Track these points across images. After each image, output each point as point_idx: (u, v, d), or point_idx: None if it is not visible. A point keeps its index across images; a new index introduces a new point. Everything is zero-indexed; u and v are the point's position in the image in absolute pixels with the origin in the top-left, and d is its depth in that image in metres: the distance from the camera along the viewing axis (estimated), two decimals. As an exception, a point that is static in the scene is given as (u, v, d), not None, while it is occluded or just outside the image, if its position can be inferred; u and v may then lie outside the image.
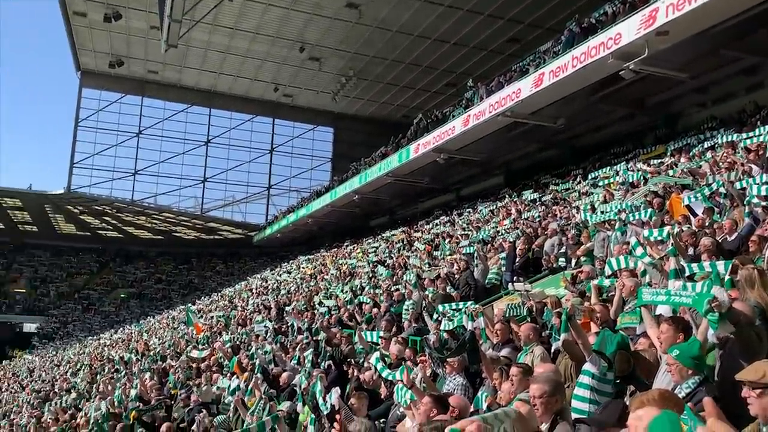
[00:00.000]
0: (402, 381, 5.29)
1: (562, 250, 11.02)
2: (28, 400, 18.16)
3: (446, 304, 8.71)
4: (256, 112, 56.34)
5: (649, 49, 16.48)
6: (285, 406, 6.78)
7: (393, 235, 28.71)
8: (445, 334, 7.73)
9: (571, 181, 20.34)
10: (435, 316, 8.92)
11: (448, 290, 11.02)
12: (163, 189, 56.43)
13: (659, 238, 7.43)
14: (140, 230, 63.49)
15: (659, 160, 16.12)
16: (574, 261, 10.20)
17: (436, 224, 25.79)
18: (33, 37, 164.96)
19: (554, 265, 10.74)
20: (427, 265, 15.69)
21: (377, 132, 47.75)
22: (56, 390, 18.57)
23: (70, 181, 52.05)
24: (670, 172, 12.94)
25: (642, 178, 13.75)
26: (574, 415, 3.98)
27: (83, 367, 21.54)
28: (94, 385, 15.85)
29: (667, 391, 2.34)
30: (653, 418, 1.87)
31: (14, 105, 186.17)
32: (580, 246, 10.44)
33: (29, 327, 60.70)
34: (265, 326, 14.51)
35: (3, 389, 24.54)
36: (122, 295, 61.22)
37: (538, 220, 15.46)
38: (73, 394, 15.82)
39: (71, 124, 52.81)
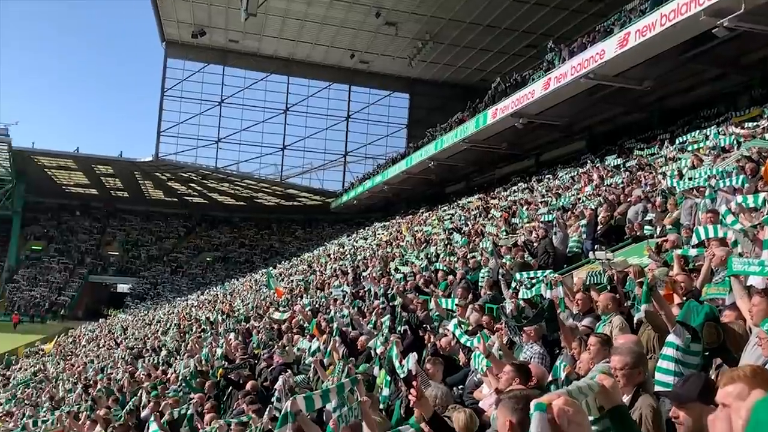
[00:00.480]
0: (479, 348, 5.30)
1: (647, 218, 10.63)
2: (122, 356, 19.30)
3: (524, 273, 8.61)
4: (332, 80, 56.75)
5: (746, 4, 15.41)
6: (362, 368, 6.93)
7: (469, 202, 28.47)
8: (522, 303, 7.66)
9: (657, 146, 19.49)
10: (512, 284, 8.84)
11: (525, 258, 10.88)
12: (245, 156, 58.03)
13: (753, 205, 7.04)
14: (224, 196, 65.72)
15: (754, 123, 15.19)
16: (659, 229, 9.82)
17: (514, 191, 25.38)
18: (124, 8, 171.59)
19: (638, 234, 10.38)
20: (504, 233, 15.52)
21: (453, 97, 47.16)
22: (148, 347, 19.66)
23: (157, 149, 54.30)
24: (766, 136, 12.18)
25: (735, 142, 13.00)
26: (657, 388, 3.88)
27: (172, 327, 22.68)
28: (183, 344, 16.69)
29: (759, 368, 2.24)
30: (759, 399, 1.79)
31: (106, 78, 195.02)
32: (666, 214, 10.04)
33: (122, 288, 64.43)
34: (342, 291, 14.82)
35: (100, 345, 26.19)
36: (208, 259, 63.84)
37: (621, 186, 14.94)
38: (164, 352, 16.69)
39: (158, 94, 54.81)
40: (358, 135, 59.50)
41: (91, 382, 15.26)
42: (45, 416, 11.82)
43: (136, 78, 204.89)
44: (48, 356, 28.29)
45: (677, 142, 17.76)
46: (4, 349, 34.76)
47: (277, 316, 14.32)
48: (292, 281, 24.74)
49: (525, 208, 18.21)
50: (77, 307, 56.83)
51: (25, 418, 12.43)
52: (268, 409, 5.81)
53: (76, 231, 67.47)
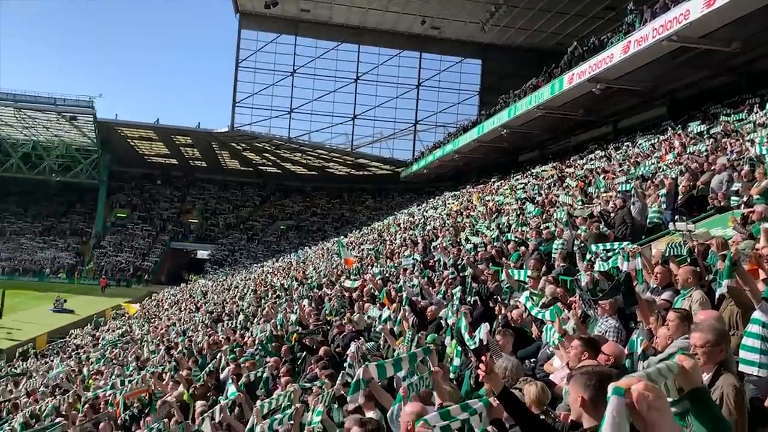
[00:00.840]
0: (551, 322, 5.22)
1: (733, 188, 10.11)
2: (202, 320, 20.13)
3: (600, 244, 8.38)
4: (403, 47, 56.27)
5: None
6: (431, 338, 6.97)
7: (543, 170, 27.85)
8: (597, 275, 7.48)
9: (745, 112, 18.41)
10: (588, 256, 8.63)
11: (601, 229, 10.58)
12: (317, 126, 58.64)
13: None
14: (296, 166, 66.82)
15: None
16: (745, 199, 9.32)
17: (591, 159, 24.63)
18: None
19: (722, 204, 9.89)
20: (579, 203, 15.13)
21: (527, 62, 45.86)
22: (227, 312, 20.42)
23: (233, 120, 55.57)
24: None
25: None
26: (741, 367, 3.73)
27: (249, 292, 23.44)
28: (259, 309, 17.23)
29: None
30: None
31: (184, 50, 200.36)
32: (754, 183, 9.50)
33: (202, 254, 66.89)
34: (412, 260, 14.87)
35: (182, 309, 27.38)
36: (282, 227, 65.34)
37: (704, 154, 14.24)
38: (241, 316, 17.30)
39: (233, 66, 55.89)
40: (429, 103, 59.03)
41: (173, 344, 16.02)
42: (131, 375, 12.51)
43: (212, 50, 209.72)
44: (133, 318, 29.86)
45: (768, 107, 16.73)
46: (94, 311, 36.95)
47: (348, 284, 14.55)
48: (363, 250, 25.02)
49: (602, 177, 17.65)
50: (160, 272, 59.58)
51: (113, 377, 13.21)
52: (340, 375, 5.93)
53: (158, 199, 70.36)
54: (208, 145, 61.06)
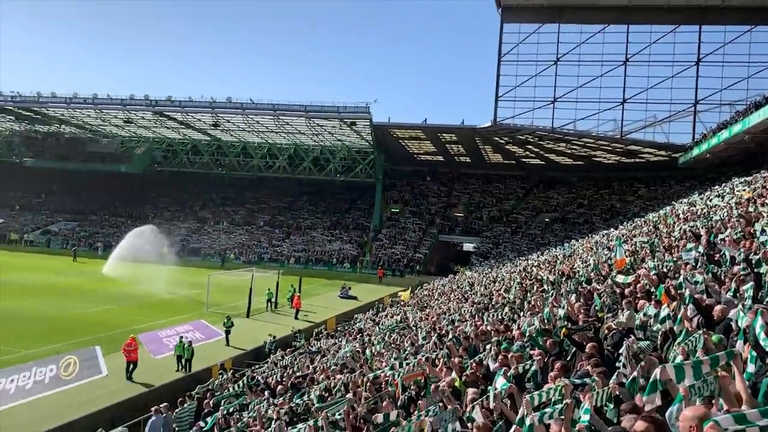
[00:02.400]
0: None
1: None
2: (470, 311, 20.72)
3: None
4: (678, 22, 51.34)
5: None
6: (715, 339, 6.33)
7: None
8: None
9: None
10: None
11: None
12: (582, 114, 56.37)
13: None
14: (560, 156, 65.10)
15: None
16: None
17: None
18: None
19: None
20: None
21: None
22: (493, 303, 20.75)
23: (495, 114, 56.08)
24: None
25: None
26: None
27: (514, 285, 23.52)
28: (525, 302, 17.21)
29: None
30: None
31: (446, 51, 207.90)
32: None
33: (468, 246, 68.82)
34: (694, 254, 13.56)
35: (450, 299, 28.50)
36: (546, 219, 64.26)
37: None
38: (507, 309, 17.45)
39: (495, 61, 56.41)
40: (711, 80, 52.86)
41: (444, 331, 16.78)
42: (407, 359, 13.41)
43: (473, 48, 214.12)
44: (407, 306, 31.92)
45: None
46: (374, 298, 40.35)
47: (620, 279, 13.81)
48: (635, 243, 23.46)
49: None
50: (430, 263, 62.78)
51: (392, 360, 14.31)
52: (615, 374, 5.71)
53: (427, 195, 74.14)
54: (472, 140, 62.54)
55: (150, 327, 26.52)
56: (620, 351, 7.15)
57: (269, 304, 35.97)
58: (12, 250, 62.05)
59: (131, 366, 20.37)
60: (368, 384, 11.62)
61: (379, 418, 8.31)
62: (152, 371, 21.01)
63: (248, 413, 12.79)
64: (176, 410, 14.66)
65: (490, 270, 41.32)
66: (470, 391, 8.19)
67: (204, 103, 58.65)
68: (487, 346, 11.16)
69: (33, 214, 77.17)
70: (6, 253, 58.06)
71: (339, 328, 30.16)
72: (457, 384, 9.02)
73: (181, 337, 23.14)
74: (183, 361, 21.74)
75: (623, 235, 29.26)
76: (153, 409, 14.58)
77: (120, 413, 16.43)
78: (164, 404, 14.75)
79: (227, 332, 26.18)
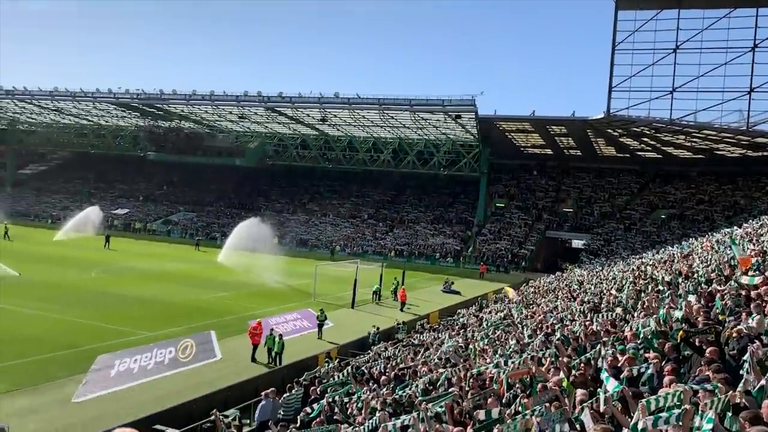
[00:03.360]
0: None
1: None
2: (579, 310, 20.05)
3: None
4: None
5: None
6: None
7: None
8: None
9: None
10: None
11: None
12: (703, 105, 53.20)
13: None
14: (679, 150, 61.64)
15: None
16: None
17: None
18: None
19: None
20: None
21: None
22: (604, 302, 19.97)
23: (609, 105, 53.75)
24: None
25: None
26: None
27: (627, 284, 22.51)
28: (639, 302, 16.43)
29: None
30: None
31: (555, 42, 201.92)
32: None
33: (576, 243, 66.77)
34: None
35: (558, 297, 27.70)
36: (662, 216, 61.14)
37: None
38: (619, 309, 16.73)
39: (608, 50, 54.12)
40: None
41: (551, 330, 16.34)
42: (512, 357, 13.17)
43: (583, 37, 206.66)
44: (512, 303, 31.37)
45: None
46: (477, 294, 39.98)
47: (745, 280, 12.87)
48: (763, 242, 21.80)
49: None
50: (536, 259, 61.39)
51: (497, 356, 14.11)
52: (742, 382, 5.33)
53: (534, 189, 72.52)
54: (583, 133, 60.41)
55: (261, 314, 27.59)
56: (744, 357, 6.68)
57: (375, 296, 36.49)
58: (137, 238, 66.67)
59: (254, 349, 22.00)
60: (471, 380, 11.53)
61: (481, 414, 8.21)
62: (262, 357, 21.89)
63: (353, 402, 13.04)
64: (284, 395, 15.19)
65: (600, 268, 39.84)
66: (578, 392, 7.94)
67: (313, 99, 60.22)
68: (597, 347, 10.76)
69: (155, 204, 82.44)
70: (131, 241, 62.49)
71: (441, 323, 30.12)
72: (564, 384, 8.77)
73: (272, 329, 22.89)
74: (273, 353, 21.61)
75: (748, 234, 27.30)
76: (263, 393, 15.17)
77: (234, 395, 17.25)
78: (272, 389, 15.32)
79: (320, 326, 26.45)
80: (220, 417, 13.30)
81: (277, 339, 21.80)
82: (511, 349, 15.03)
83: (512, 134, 65.56)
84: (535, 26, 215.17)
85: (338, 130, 70.46)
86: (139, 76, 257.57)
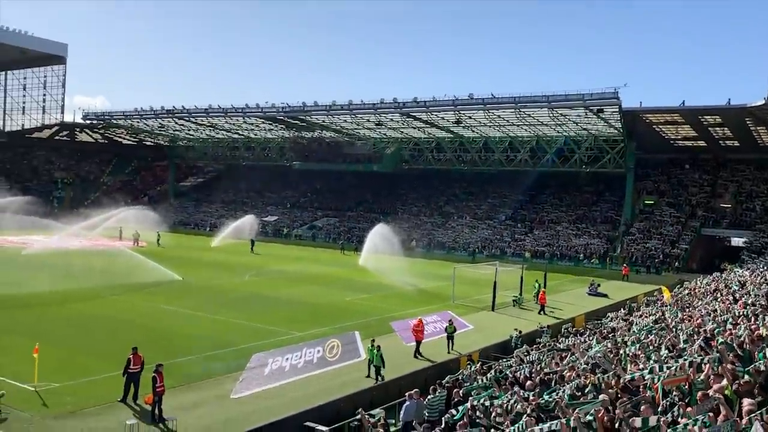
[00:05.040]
0: None
1: None
2: (742, 313, 18.48)
3: None
4: None
5: None
6: None
7: None
8: None
9: None
10: None
11: None
12: None
13: None
14: None
15: None
16: None
17: None
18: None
19: None
20: None
21: None
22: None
23: (771, 90, 49.13)
24: None
25: None
26: None
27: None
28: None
29: None
30: None
31: (700, 28, 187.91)
32: None
33: (736, 241, 61.55)
34: None
35: (717, 299, 25.68)
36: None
37: None
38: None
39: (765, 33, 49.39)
40: None
41: (710, 335, 15.17)
42: (667, 362, 12.36)
43: (734, 22, 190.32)
44: (666, 306, 29.48)
45: None
46: (625, 296, 38.02)
47: None
48: None
49: None
50: (690, 259, 57.30)
51: (650, 362, 13.31)
52: None
53: (687, 184, 67.86)
54: (741, 121, 55.56)
55: (401, 315, 28.05)
56: None
57: (515, 302, 35.59)
58: (285, 243, 70.35)
59: (417, 345, 23.06)
60: (622, 386, 10.98)
61: (637, 422, 7.79)
62: (404, 358, 22.22)
63: (496, 406, 12.87)
64: (428, 397, 15.30)
65: (765, 268, 36.43)
66: (746, 401, 7.32)
67: (447, 102, 60.25)
68: (765, 352, 9.87)
69: (301, 211, 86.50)
70: (280, 246, 66.04)
71: (588, 326, 28.94)
72: (727, 392, 8.11)
73: (373, 340, 21.14)
74: (372, 366, 20.20)
75: None
76: (407, 394, 15.38)
77: (379, 395, 17.65)
78: (416, 390, 15.48)
79: (449, 337, 24.42)
80: (366, 416, 13.65)
81: (376, 351, 20.17)
82: (665, 355, 14.16)
83: (660, 127, 61.70)
84: (681, 16, 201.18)
85: (473, 131, 69.99)
86: (281, 91, 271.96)
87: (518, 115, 60.70)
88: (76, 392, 17.10)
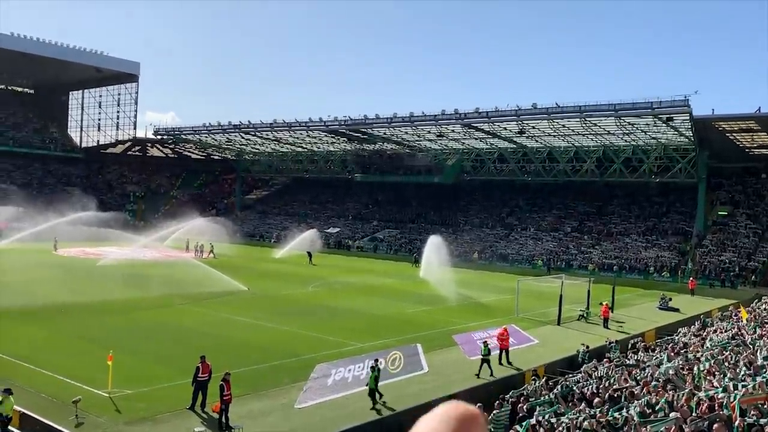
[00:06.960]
0: None
1: None
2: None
3: None
4: None
5: None
6: None
7: None
8: None
9: None
10: None
11: None
12: None
13: None
14: None
15: None
16: None
17: None
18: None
19: None
20: None
21: None
22: None
23: None
24: None
25: None
26: None
27: None
28: None
29: None
30: None
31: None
32: None
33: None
34: None
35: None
36: None
37: None
38: None
39: None
40: None
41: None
42: (744, 380, 11.82)
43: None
44: (742, 321, 28.15)
45: None
46: (698, 311, 36.50)
47: None
48: None
49: None
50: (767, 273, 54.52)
51: (726, 380, 12.74)
52: None
53: (763, 194, 64.83)
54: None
55: (464, 329, 27.77)
56: None
57: (582, 317, 34.62)
58: (347, 255, 70.89)
59: (503, 353, 23.40)
60: (697, 404, 10.53)
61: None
62: (467, 371, 21.95)
63: (562, 423, 12.56)
64: (493, 412, 15.08)
65: None
66: (834, 424, 6.88)
67: (509, 112, 59.57)
68: None
69: (362, 222, 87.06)
70: (343, 258, 66.57)
71: (658, 342, 27.91)
72: (814, 415, 7.65)
73: (376, 360, 18.65)
74: (374, 394, 17.92)
75: None
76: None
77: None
78: (479, 404, 15.29)
79: (484, 361, 21.86)
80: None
81: (374, 375, 17.96)
82: (742, 372, 13.52)
83: (735, 135, 59.19)
84: (745, 16, 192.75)
85: (537, 141, 68.93)
86: (343, 105, 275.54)
87: (584, 125, 59.43)
88: (147, 399, 17.67)
